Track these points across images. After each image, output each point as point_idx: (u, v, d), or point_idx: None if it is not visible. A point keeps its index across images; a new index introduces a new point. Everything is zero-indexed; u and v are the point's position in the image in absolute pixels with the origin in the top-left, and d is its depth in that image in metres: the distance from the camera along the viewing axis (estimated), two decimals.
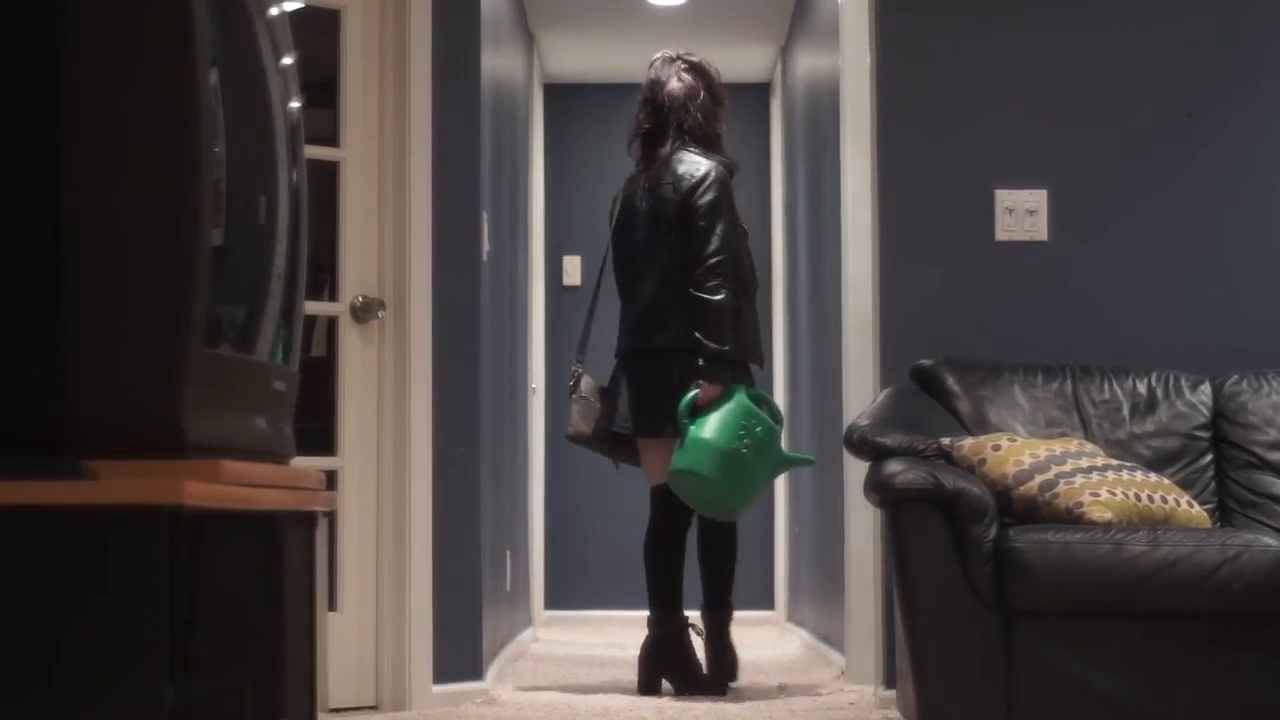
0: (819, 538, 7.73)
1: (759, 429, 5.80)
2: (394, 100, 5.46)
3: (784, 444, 9.44)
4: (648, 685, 5.99)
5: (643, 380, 5.96)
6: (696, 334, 5.81)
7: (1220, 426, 5.03)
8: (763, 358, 6.13)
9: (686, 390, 5.80)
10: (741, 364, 5.96)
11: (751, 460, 5.81)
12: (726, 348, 5.82)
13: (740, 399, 5.81)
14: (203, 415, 2.76)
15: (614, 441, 6.06)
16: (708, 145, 6.09)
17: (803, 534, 8.56)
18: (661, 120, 6.10)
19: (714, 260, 5.82)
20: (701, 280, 5.82)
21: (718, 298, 5.80)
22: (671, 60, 6.17)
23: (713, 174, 5.93)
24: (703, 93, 6.13)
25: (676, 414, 5.80)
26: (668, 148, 6.04)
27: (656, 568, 6.07)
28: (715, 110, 6.15)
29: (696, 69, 6.14)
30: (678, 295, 5.87)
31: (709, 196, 5.88)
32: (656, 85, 6.13)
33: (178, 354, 2.72)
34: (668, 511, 6.05)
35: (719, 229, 5.86)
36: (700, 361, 5.82)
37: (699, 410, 5.78)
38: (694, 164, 5.97)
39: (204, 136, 2.74)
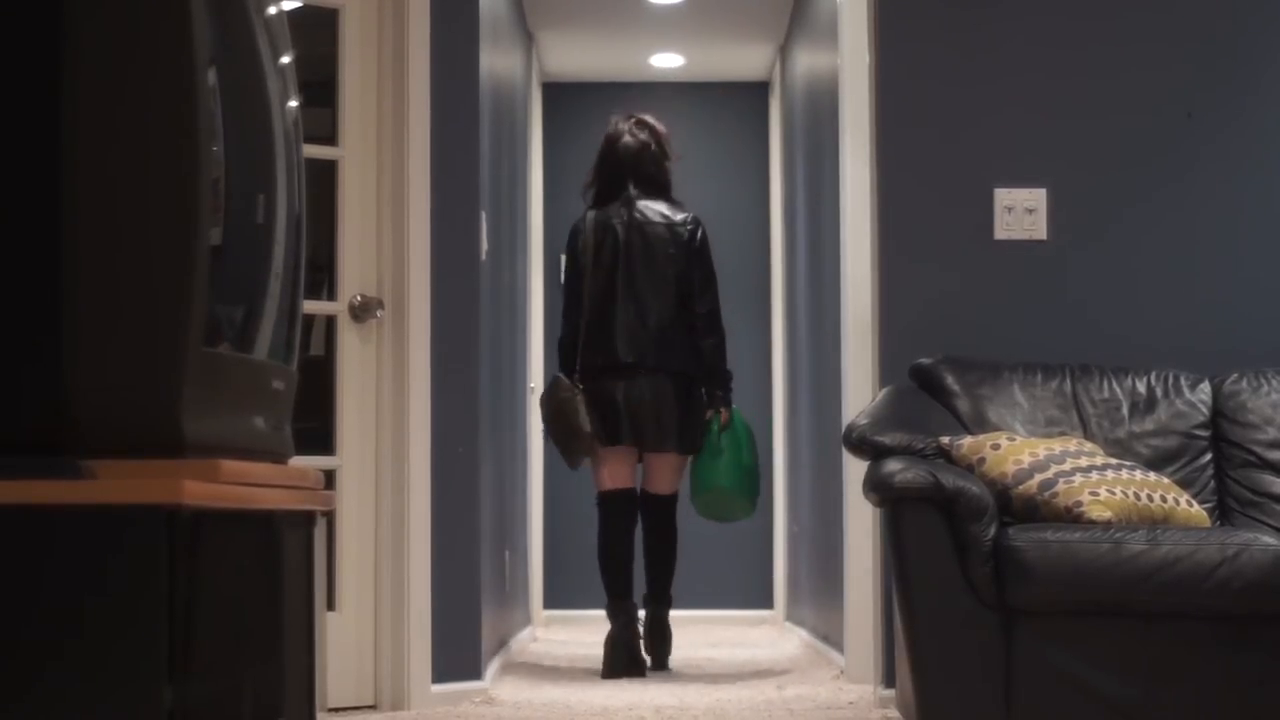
0: (818, 537, 7.73)
1: (752, 441, 6.90)
2: (393, 99, 5.46)
3: (781, 446, 9.50)
4: (626, 669, 6.69)
5: (685, 401, 6.79)
6: (712, 366, 6.78)
7: (1220, 425, 5.03)
8: None
9: (708, 411, 6.82)
10: None
11: (757, 469, 6.89)
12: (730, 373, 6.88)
13: (741, 419, 6.92)
14: (201, 415, 2.76)
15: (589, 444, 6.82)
16: (662, 190, 6.93)
17: (802, 533, 8.56)
18: (618, 169, 6.92)
19: (718, 302, 6.82)
20: (711, 319, 6.78)
21: (723, 332, 6.81)
22: (626, 119, 7.02)
23: (701, 225, 6.88)
24: (653, 146, 6.96)
25: (708, 436, 6.81)
26: (630, 192, 6.87)
27: (617, 565, 6.80)
28: (664, 162, 6.98)
29: (647, 127, 6.99)
30: (685, 324, 6.76)
31: (706, 245, 6.84)
32: (614, 139, 6.98)
33: (176, 354, 2.72)
34: (624, 517, 6.86)
35: (712, 269, 6.84)
36: (719, 391, 6.81)
37: (724, 429, 6.83)
38: (679, 210, 6.89)
39: (202, 136, 2.74)
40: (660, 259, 6.77)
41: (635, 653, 6.75)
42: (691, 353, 6.76)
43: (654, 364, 6.71)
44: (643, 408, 6.71)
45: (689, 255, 6.77)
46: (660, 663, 6.93)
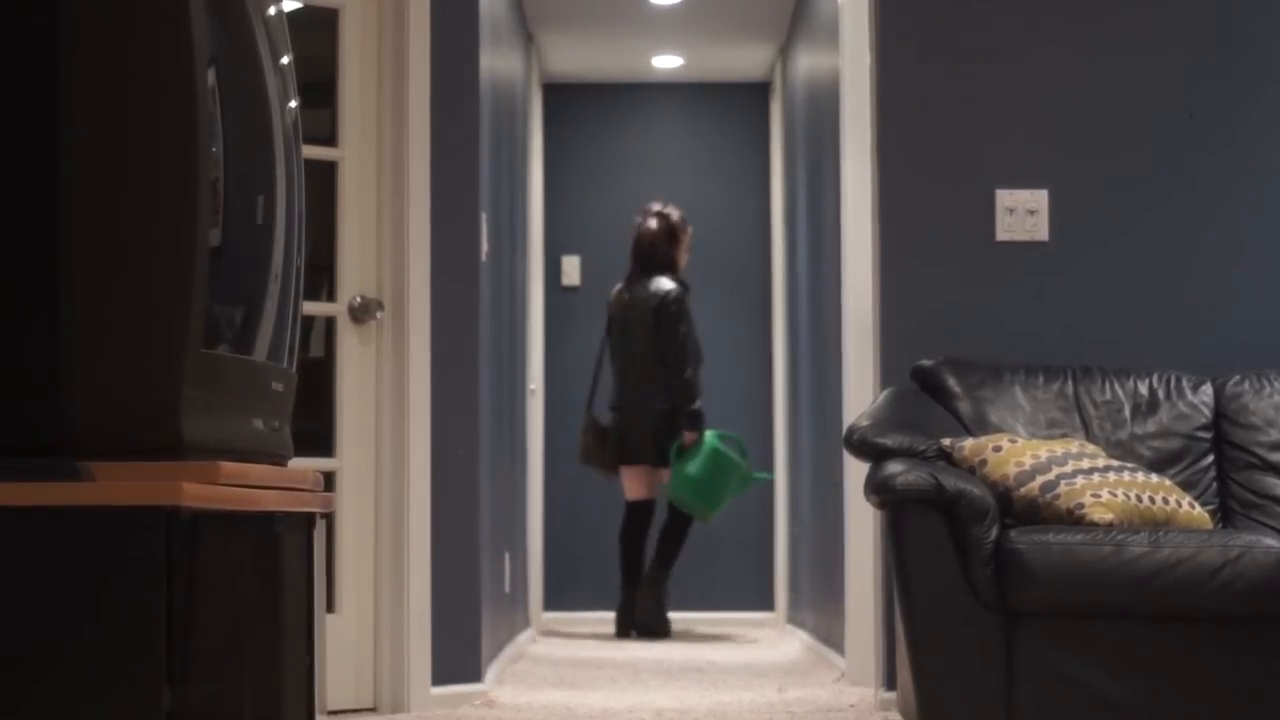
0: (819, 539, 7.72)
1: (721, 462, 8.75)
2: (392, 100, 5.45)
3: (782, 448, 9.49)
4: (622, 634, 8.94)
5: (661, 430, 8.86)
6: (679, 405, 8.77)
7: (1222, 427, 5.02)
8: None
9: (678, 437, 8.84)
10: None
11: (716, 483, 8.76)
12: (698, 407, 8.80)
13: (710, 442, 8.78)
14: (200, 416, 2.75)
15: (609, 463, 9.08)
16: (666, 268, 8.97)
17: (802, 535, 8.55)
18: (637, 253, 9.02)
19: (682, 352, 8.81)
20: (678, 366, 8.80)
21: (688, 376, 8.80)
22: (650, 210, 9.05)
23: (674, 293, 8.87)
24: (664, 232, 8.98)
25: (671, 454, 8.84)
26: (642, 270, 8.99)
27: (632, 553, 8.99)
28: (672, 244, 8.99)
29: (663, 217, 9.01)
30: (659, 373, 8.83)
31: (675, 308, 8.84)
32: (637, 228, 9.05)
33: (175, 355, 2.71)
34: (636, 521, 9.04)
35: (681, 330, 8.83)
36: (682, 421, 8.78)
37: (685, 451, 8.78)
38: (661, 284, 8.90)
39: (201, 137, 2.73)
40: (644, 326, 8.86)
41: (630, 621, 8.94)
42: (668, 395, 8.81)
43: (636, 406, 8.86)
44: (629, 437, 8.90)
45: (661, 323, 8.81)
46: (646, 630, 8.92)
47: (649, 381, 8.84)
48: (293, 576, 3.16)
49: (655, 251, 8.95)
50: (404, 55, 5.45)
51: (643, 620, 8.88)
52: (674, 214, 9.02)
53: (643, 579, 8.92)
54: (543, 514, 9.92)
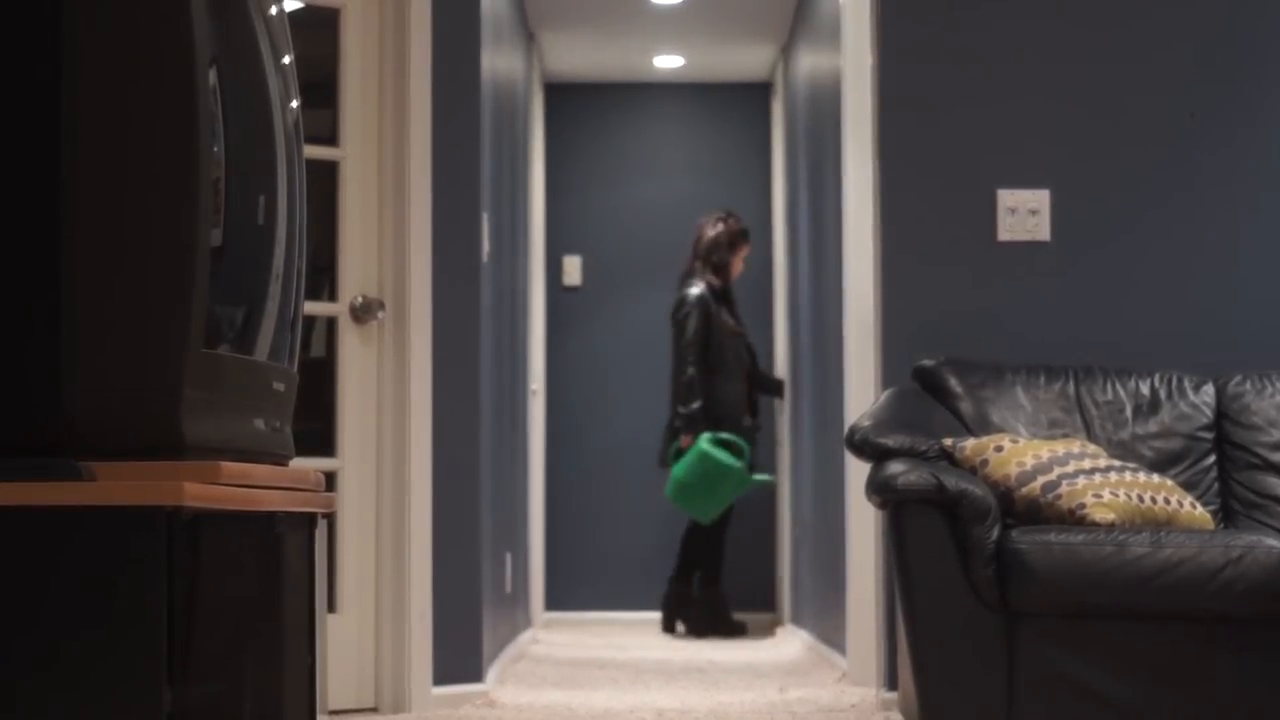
0: (820, 539, 7.72)
1: (709, 466, 8.88)
2: (393, 100, 5.45)
3: (784, 448, 9.49)
4: (668, 626, 9.33)
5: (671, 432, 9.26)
6: (676, 403, 9.16)
7: (1223, 427, 5.02)
8: (743, 413, 9.25)
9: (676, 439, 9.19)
10: (716, 418, 9.07)
11: (702, 486, 8.93)
12: (692, 409, 9.04)
13: (701, 446, 8.92)
14: (201, 416, 2.75)
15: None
16: (717, 269, 9.26)
17: (804, 535, 8.55)
18: (695, 253, 9.30)
19: (683, 355, 9.13)
20: (678, 368, 9.17)
21: (683, 379, 9.13)
22: (716, 215, 9.37)
23: (692, 299, 9.17)
24: (723, 235, 9.26)
25: (669, 456, 9.17)
26: (692, 273, 9.28)
27: (686, 548, 9.34)
28: (729, 247, 9.28)
29: (724, 221, 9.33)
30: (672, 376, 9.29)
31: (684, 312, 9.17)
32: (701, 228, 9.35)
33: (176, 355, 2.71)
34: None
35: (688, 334, 9.12)
36: (678, 421, 9.15)
37: (681, 452, 9.04)
38: (689, 288, 9.21)
39: (202, 136, 2.73)
40: (671, 326, 9.27)
41: (668, 611, 9.32)
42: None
43: (671, 408, 9.27)
44: (669, 439, 9.25)
45: (674, 326, 9.23)
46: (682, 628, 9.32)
47: (673, 383, 9.26)
48: (294, 576, 3.16)
49: (710, 254, 9.25)
50: (405, 55, 5.45)
51: (707, 625, 9.27)
52: (739, 224, 9.33)
53: (695, 592, 9.35)
54: (544, 514, 9.91)
